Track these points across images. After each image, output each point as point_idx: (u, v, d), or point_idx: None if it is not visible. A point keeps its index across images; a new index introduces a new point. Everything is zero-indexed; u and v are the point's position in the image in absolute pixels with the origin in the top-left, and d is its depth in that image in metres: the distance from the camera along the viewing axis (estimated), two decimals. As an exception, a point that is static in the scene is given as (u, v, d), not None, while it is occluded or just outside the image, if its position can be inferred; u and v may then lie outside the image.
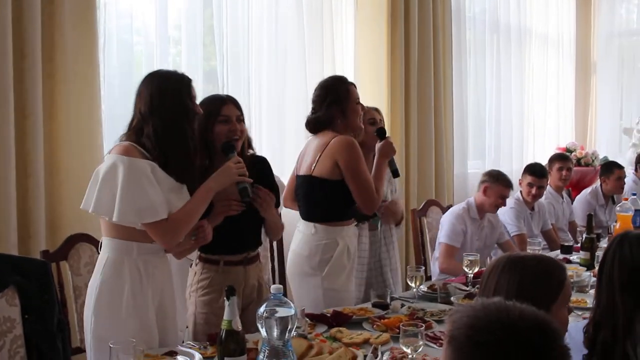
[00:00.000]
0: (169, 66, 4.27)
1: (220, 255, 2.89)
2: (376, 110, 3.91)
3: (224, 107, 2.84)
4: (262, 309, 1.95)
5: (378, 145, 3.51)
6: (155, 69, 4.09)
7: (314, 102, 3.42)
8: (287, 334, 1.92)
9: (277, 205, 3.03)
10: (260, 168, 2.96)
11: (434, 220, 4.83)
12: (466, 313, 1.32)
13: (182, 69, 4.27)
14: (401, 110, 5.44)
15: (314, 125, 3.41)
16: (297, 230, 3.48)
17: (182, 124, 2.55)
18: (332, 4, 5.11)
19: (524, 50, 7.33)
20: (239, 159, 2.74)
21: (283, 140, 4.80)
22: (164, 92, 2.54)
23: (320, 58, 5.00)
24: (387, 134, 3.60)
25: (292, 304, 1.98)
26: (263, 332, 1.94)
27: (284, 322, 1.91)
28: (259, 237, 3.03)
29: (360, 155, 3.29)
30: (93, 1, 3.63)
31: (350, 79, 5.12)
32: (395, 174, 3.62)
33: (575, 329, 2.14)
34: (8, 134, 3.33)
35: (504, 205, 4.58)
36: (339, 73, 5.04)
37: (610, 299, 2.05)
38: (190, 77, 2.65)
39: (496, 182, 4.49)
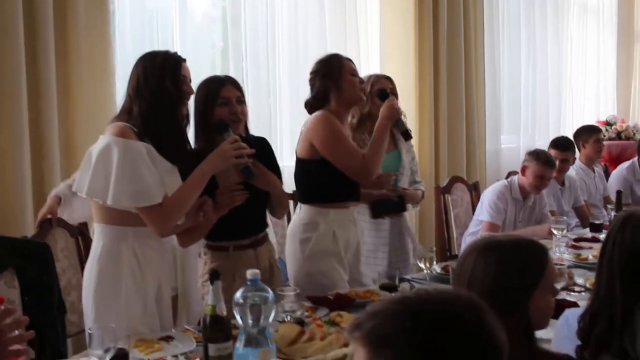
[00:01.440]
0: (186, 42, 4.25)
1: (229, 241, 2.84)
2: (387, 78, 3.78)
3: (223, 89, 2.76)
4: (237, 294, 1.89)
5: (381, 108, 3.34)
6: (173, 44, 4.20)
7: (309, 80, 3.32)
8: (263, 321, 1.86)
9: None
10: (259, 148, 2.86)
11: (459, 198, 4.71)
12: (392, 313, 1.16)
13: (200, 42, 4.31)
14: (430, 84, 5.28)
15: (311, 104, 3.30)
16: None
17: (167, 105, 2.48)
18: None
19: (562, 19, 7.05)
20: (236, 137, 2.64)
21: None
22: (149, 73, 2.48)
23: (343, 31, 4.87)
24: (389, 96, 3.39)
25: (269, 290, 1.92)
26: (239, 319, 1.89)
27: (258, 308, 1.85)
28: (265, 218, 2.98)
29: (335, 127, 3.15)
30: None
31: (376, 51, 5.13)
32: (406, 135, 3.41)
33: (574, 315, 2.03)
34: (22, 115, 3.33)
35: (544, 186, 4.39)
36: (363, 46, 4.98)
37: (609, 287, 1.90)
38: (181, 56, 2.58)
39: (534, 160, 4.31)
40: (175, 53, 2.59)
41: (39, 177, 3.46)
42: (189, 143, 2.70)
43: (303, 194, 3.32)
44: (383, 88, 3.48)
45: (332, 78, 3.22)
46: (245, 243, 2.86)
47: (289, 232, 3.35)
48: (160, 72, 2.48)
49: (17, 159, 3.32)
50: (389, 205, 3.58)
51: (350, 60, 3.32)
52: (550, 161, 4.36)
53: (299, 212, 3.33)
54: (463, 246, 4.44)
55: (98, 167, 2.42)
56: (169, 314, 2.67)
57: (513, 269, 1.70)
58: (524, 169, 4.37)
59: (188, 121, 2.66)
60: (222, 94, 2.75)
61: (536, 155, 4.36)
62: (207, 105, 2.74)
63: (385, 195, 3.56)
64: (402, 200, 3.65)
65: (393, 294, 1.15)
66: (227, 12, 4.52)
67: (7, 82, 3.28)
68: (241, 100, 2.80)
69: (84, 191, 2.46)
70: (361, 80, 3.31)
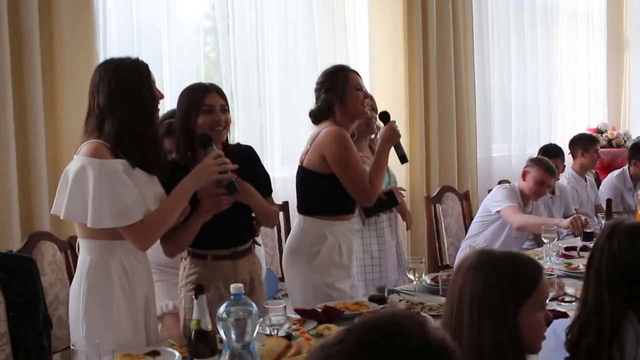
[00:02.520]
0: (173, 55, 4.24)
1: (208, 250, 2.77)
2: (369, 97, 3.75)
3: (207, 96, 2.70)
4: (221, 309, 1.87)
5: (381, 130, 3.39)
6: (161, 55, 4.18)
7: (315, 91, 3.32)
8: (246, 336, 1.84)
9: (268, 193, 2.93)
10: (245, 157, 2.84)
11: (449, 207, 4.70)
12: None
13: (185, 54, 4.29)
14: (420, 93, 5.28)
15: (315, 115, 3.30)
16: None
17: (145, 113, 2.44)
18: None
19: (551, 26, 7.06)
20: (219, 152, 2.60)
21: (295, 136, 4.63)
22: (121, 83, 2.41)
23: (332, 41, 4.86)
24: (391, 118, 3.41)
25: (253, 304, 1.90)
26: (222, 334, 1.87)
27: (241, 323, 1.82)
28: (249, 230, 2.89)
29: (349, 146, 3.16)
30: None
31: (365, 61, 5.11)
32: (403, 159, 3.41)
33: (562, 326, 2.01)
34: (7, 127, 3.31)
35: (544, 192, 4.43)
36: (352, 55, 4.97)
37: (597, 298, 1.89)
38: (146, 62, 2.52)
39: (535, 166, 4.37)
40: (138, 58, 2.51)
41: (26, 191, 3.43)
42: (165, 151, 2.66)
43: (307, 206, 3.28)
44: (385, 111, 3.48)
45: (336, 91, 3.22)
46: (223, 253, 2.77)
47: (292, 245, 3.30)
48: (134, 80, 2.43)
49: (4, 171, 3.30)
50: (381, 203, 3.52)
51: (357, 73, 3.33)
52: (551, 168, 4.39)
53: (303, 225, 3.28)
54: (460, 254, 4.42)
55: (74, 189, 2.37)
56: (155, 326, 2.64)
57: (501, 282, 1.69)
58: (525, 174, 4.41)
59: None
60: (206, 102, 2.69)
61: (538, 161, 4.42)
62: (191, 113, 2.68)
63: None
64: (391, 195, 3.64)
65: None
66: (216, 22, 4.52)
67: (-7, 92, 3.26)
68: (225, 109, 2.75)
69: (62, 214, 2.41)
70: (365, 94, 3.32)
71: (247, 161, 2.83)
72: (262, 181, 2.88)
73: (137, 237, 2.42)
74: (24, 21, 3.37)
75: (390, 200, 3.64)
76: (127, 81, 2.43)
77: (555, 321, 2.17)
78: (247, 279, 2.79)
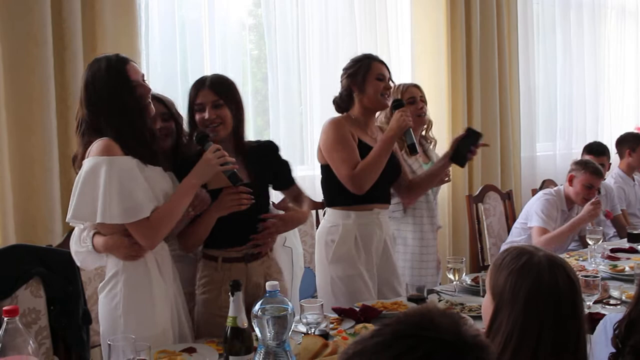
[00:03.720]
0: (216, 50, 4.24)
1: (220, 251, 2.71)
2: (415, 86, 3.69)
3: (198, 94, 2.68)
4: (256, 307, 1.86)
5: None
6: (203, 53, 4.19)
7: (340, 77, 3.30)
8: (282, 334, 1.82)
9: (291, 183, 2.90)
10: (266, 153, 2.82)
11: (492, 207, 4.62)
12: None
13: (228, 51, 4.30)
14: (463, 90, 5.21)
15: (338, 103, 3.29)
16: None
17: (135, 117, 2.41)
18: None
19: (599, 23, 6.90)
20: (217, 146, 2.55)
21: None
22: (101, 94, 2.38)
23: (374, 38, 4.81)
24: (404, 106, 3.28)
25: (288, 302, 1.88)
26: (257, 332, 1.85)
27: (277, 321, 1.80)
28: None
29: (337, 134, 3.12)
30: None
31: (407, 58, 5.06)
32: (412, 149, 3.23)
33: (612, 322, 1.94)
34: (50, 125, 3.35)
35: (592, 196, 4.28)
36: (394, 53, 4.92)
37: None
38: (124, 56, 2.48)
39: (582, 169, 4.25)
40: (114, 58, 2.45)
41: (68, 186, 3.46)
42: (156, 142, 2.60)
43: (327, 198, 3.32)
44: (398, 98, 3.37)
45: (356, 79, 3.19)
46: (235, 255, 2.71)
47: (317, 236, 3.34)
48: (111, 88, 2.38)
49: (46, 166, 3.34)
50: (466, 143, 3.34)
51: (382, 63, 3.27)
52: (598, 170, 4.29)
53: (325, 216, 3.33)
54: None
55: (83, 190, 2.35)
56: (188, 320, 2.63)
57: (544, 295, 1.65)
58: (571, 179, 4.29)
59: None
60: (197, 100, 2.68)
61: (584, 164, 4.30)
62: (190, 113, 2.70)
63: (452, 144, 3.37)
64: (471, 130, 3.43)
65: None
66: (259, 19, 4.51)
67: (36, 90, 3.30)
68: (219, 104, 2.68)
69: (69, 216, 2.39)
70: (387, 86, 3.24)
71: (270, 154, 2.82)
72: (282, 175, 2.87)
73: (144, 233, 2.39)
74: (67, 19, 3.40)
75: (472, 135, 3.37)
76: (104, 92, 2.39)
77: (607, 316, 2.11)
78: (261, 282, 2.70)
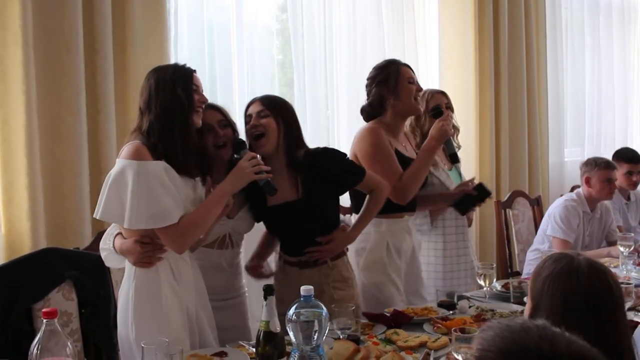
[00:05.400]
0: (244, 55, 4.25)
1: (282, 253, 2.89)
2: (441, 93, 3.67)
3: (249, 108, 2.81)
4: (290, 311, 1.85)
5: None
6: (230, 57, 4.20)
7: (366, 87, 3.28)
8: (316, 338, 1.81)
9: (360, 179, 2.89)
10: (317, 163, 2.79)
11: (520, 213, 4.58)
12: (500, 333, 1.12)
13: (255, 55, 4.31)
14: (490, 95, 5.17)
15: (367, 111, 3.26)
16: None
17: (178, 116, 2.42)
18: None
19: (629, 27, 6.83)
20: (253, 154, 2.56)
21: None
22: (159, 85, 2.43)
23: (401, 42, 4.79)
24: (444, 114, 3.31)
25: (323, 307, 1.87)
26: (292, 336, 1.84)
27: (310, 325, 1.80)
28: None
29: (377, 142, 3.11)
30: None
31: (435, 63, 5.04)
32: (454, 158, 3.30)
33: None
34: (81, 129, 3.36)
35: (615, 188, 4.33)
36: (421, 58, 4.90)
37: None
38: (192, 68, 2.52)
39: (594, 168, 4.26)
40: (183, 65, 2.53)
41: (98, 190, 3.46)
42: (207, 154, 2.65)
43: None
44: (437, 105, 3.38)
45: (388, 85, 3.17)
46: (291, 260, 2.85)
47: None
48: (171, 81, 2.43)
49: (76, 171, 3.35)
50: (472, 198, 3.46)
51: (408, 67, 3.26)
52: (609, 163, 4.33)
53: None
54: (527, 263, 4.33)
55: (112, 191, 2.38)
56: (213, 326, 2.61)
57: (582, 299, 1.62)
58: (587, 180, 4.28)
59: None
60: (247, 113, 2.80)
61: (593, 163, 4.33)
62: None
63: (460, 192, 3.46)
64: (481, 187, 3.51)
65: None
66: (284, 24, 4.52)
67: (67, 96, 3.32)
68: (264, 114, 2.74)
69: (98, 214, 2.42)
70: (418, 89, 3.24)
71: (322, 168, 2.79)
72: (347, 175, 2.87)
73: (174, 239, 2.40)
74: (98, 26, 3.41)
75: (481, 193, 3.50)
76: (162, 81, 2.44)
77: (638, 329, 2.08)
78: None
